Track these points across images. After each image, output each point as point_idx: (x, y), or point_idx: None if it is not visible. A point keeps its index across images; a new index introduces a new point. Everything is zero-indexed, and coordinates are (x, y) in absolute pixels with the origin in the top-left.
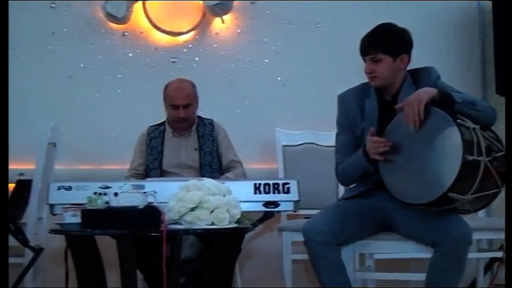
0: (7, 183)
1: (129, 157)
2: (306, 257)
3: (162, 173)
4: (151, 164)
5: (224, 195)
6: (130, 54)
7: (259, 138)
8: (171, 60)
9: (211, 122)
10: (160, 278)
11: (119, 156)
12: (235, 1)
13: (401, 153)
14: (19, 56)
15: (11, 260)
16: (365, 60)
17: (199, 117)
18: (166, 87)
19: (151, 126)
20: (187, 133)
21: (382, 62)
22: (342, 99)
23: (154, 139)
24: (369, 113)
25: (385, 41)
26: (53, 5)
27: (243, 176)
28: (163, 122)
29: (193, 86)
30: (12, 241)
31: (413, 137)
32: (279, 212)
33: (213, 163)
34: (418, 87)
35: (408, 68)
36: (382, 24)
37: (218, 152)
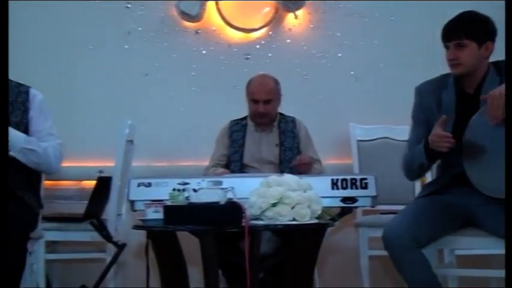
0: (7, 183)
1: (204, 153)
2: (383, 253)
3: (243, 167)
4: (232, 156)
5: (305, 191)
6: (204, 52)
7: (334, 133)
8: (245, 57)
9: (293, 120)
10: (239, 273)
11: (194, 152)
12: None
13: (486, 147)
14: (97, 56)
15: (94, 255)
16: (447, 47)
17: (281, 114)
18: (249, 82)
19: (233, 120)
20: (269, 129)
21: (466, 48)
22: (419, 91)
23: (236, 132)
24: (446, 106)
25: (471, 26)
26: (129, 5)
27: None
28: (246, 116)
29: (277, 82)
30: (95, 236)
31: (499, 130)
32: (356, 207)
33: (293, 159)
34: (503, 80)
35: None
36: (466, 11)
37: (298, 149)
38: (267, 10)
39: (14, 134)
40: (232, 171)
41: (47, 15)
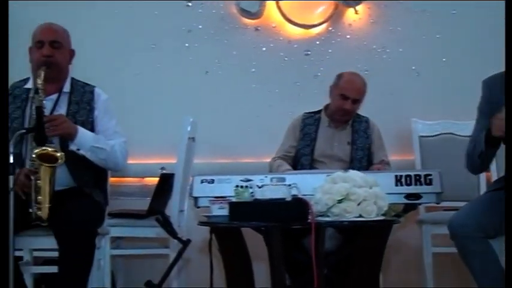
0: (7, 183)
1: (264, 150)
2: (447, 250)
3: (312, 161)
4: (303, 149)
5: (371, 187)
6: (264, 49)
7: (395, 129)
8: (305, 53)
9: (367, 120)
10: (302, 270)
11: (254, 149)
12: None
13: None
14: (158, 54)
15: (158, 251)
16: None
17: (357, 114)
18: (340, 76)
19: (306, 112)
20: (342, 126)
21: None
22: (487, 84)
23: (308, 126)
24: None
25: None
26: (189, 4)
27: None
28: (319, 110)
29: (365, 83)
30: (160, 232)
31: None
32: (421, 204)
33: (363, 159)
34: None
35: None
36: None
37: (370, 150)
38: (327, 6)
39: (83, 133)
40: (302, 165)
41: (109, 14)
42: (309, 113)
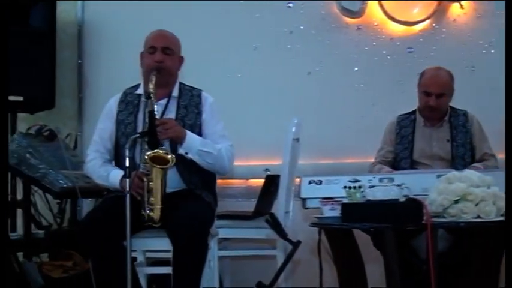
0: (7, 183)
1: (368, 150)
2: None
3: (413, 163)
4: (401, 153)
5: (489, 187)
6: (366, 48)
7: (502, 126)
8: (408, 50)
9: (465, 113)
10: (411, 271)
11: (358, 149)
12: None
13: None
14: (260, 56)
15: (265, 252)
16: None
17: (452, 108)
18: (422, 74)
19: (401, 114)
20: (439, 123)
21: None
22: None
23: (404, 128)
24: None
25: None
26: (290, 5)
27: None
28: (414, 110)
29: (451, 76)
30: (269, 234)
31: None
32: None
33: (466, 155)
34: None
35: None
36: None
37: (472, 145)
38: (430, 1)
39: (191, 137)
40: (402, 169)
41: (213, 17)
42: (404, 114)
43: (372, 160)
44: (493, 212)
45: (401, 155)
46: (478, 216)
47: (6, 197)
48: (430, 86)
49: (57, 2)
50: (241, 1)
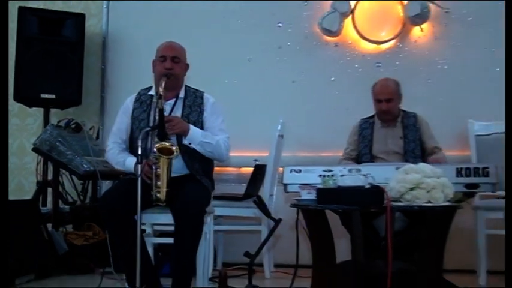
0: (7, 183)
1: (341, 145)
2: (499, 232)
3: (372, 158)
4: (363, 150)
5: (438, 177)
6: (341, 62)
7: (454, 128)
8: (376, 64)
9: (414, 115)
10: (373, 248)
11: (333, 145)
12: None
13: None
14: (254, 66)
15: (253, 227)
16: None
17: (404, 111)
18: (374, 85)
19: (362, 118)
20: (393, 124)
21: None
22: None
23: (365, 129)
24: None
25: None
26: (280, 25)
27: (444, 159)
28: (373, 115)
29: (397, 84)
30: (256, 212)
31: None
32: (479, 193)
33: (416, 150)
34: None
35: None
36: None
37: (421, 140)
38: (396, 24)
39: (194, 130)
40: (363, 162)
41: (216, 33)
42: (365, 118)
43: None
44: (441, 198)
45: (362, 152)
46: (429, 201)
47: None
48: (379, 94)
49: (86, 17)
50: (239, 21)
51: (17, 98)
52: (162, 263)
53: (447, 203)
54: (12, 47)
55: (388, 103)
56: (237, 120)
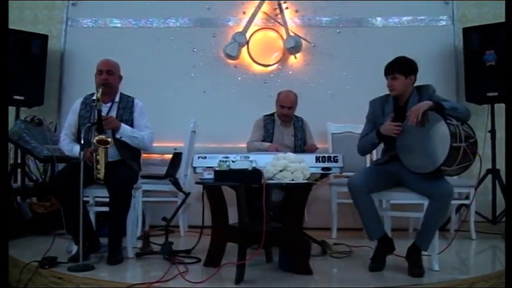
0: (8, 184)
1: (239, 139)
2: (346, 201)
3: None
4: (265, 140)
5: (300, 163)
6: (239, 78)
7: (318, 128)
8: (264, 82)
9: (302, 120)
10: (258, 212)
11: (232, 138)
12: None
13: (412, 139)
14: (174, 78)
15: (171, 199)
16: (387, 79)
17: (295, 115)
18: (280, 93)
19: (265, 115)
20: (289, 124)
21: (398, 79)
22: (371, 103)
23: (268, 124)
24: (387, 113)
25: (400, 65)
26: (195, 49)
27: (314, 146)
28: (273, 113)
29: (296, 96)
30: (172, 188)
31: (419, 130)
32: (331, 174)
33: (302, 145)
34: (421, 97)
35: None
36: (398, 57)
37: (305, 139)
38: (278, 53)
39: (124, 127)
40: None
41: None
42: (267, 115)
43: (240, 145)
44: (301, 177)
45: (265, 141)
46: (293, 180)
47: (7, 197)
48: (284, 102)
49: (49, 37)
50: (165, 44)
51: None
52: (102, 226)
53: (306, 181)
54: None
55: (289, 109)
56: (161, 119)
